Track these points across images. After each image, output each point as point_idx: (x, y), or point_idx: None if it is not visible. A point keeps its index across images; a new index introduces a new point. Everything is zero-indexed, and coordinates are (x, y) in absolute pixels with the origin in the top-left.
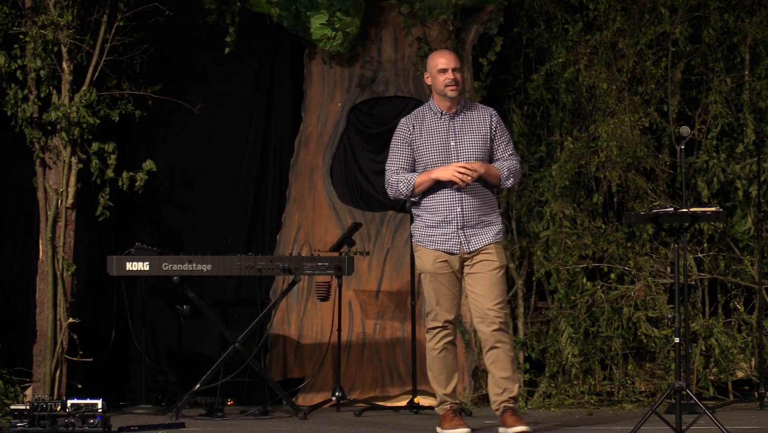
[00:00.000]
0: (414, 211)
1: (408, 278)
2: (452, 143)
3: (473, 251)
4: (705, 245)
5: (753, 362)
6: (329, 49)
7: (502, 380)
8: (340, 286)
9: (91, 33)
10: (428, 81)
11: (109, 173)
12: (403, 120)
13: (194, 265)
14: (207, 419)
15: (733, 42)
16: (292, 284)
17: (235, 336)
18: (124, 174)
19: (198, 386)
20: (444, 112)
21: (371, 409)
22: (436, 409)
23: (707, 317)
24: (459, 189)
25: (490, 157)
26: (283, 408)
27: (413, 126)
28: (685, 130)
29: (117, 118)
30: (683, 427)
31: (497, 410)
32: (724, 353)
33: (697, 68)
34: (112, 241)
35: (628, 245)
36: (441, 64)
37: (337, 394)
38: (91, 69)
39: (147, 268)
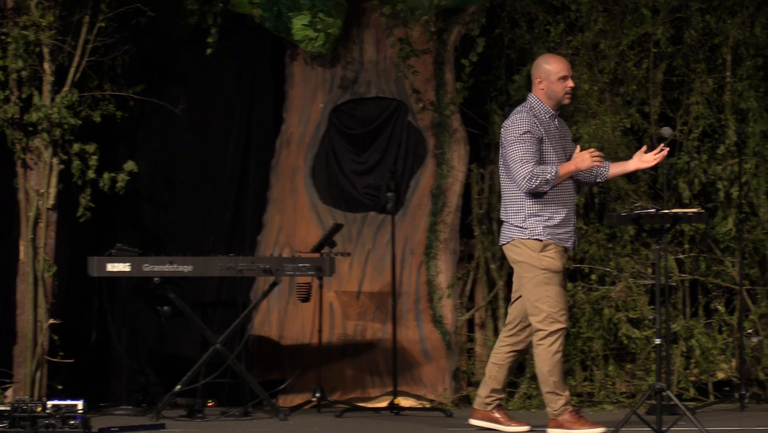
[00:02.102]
0: (527, 209)
1: (389, 278)
2: (563, 141)
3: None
4: (686, 246)
5: (734, 363)
6: (311, 50)
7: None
8: (321, 287)
9: (72, 34)
10: (541, 85)
11: (91, 174)
12: (524, 115)
13: (175, 266)
14: (187, 420)
15: (714, 43)
16: (273, 284)
17: (215, 337)
18: (105, 175)
19: (178, 387)
20: (553, 113)
21: (352, 410)
22: (554, 412)
23: (688, 318)
24: (573, 184)
25: None
26: (263, 409)
27: (537, 123)
28: (666, 131)
29: (98, 119)
30: (663, 428)
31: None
32: (704, 354)
33: (678, 69)
34: (93, 242)
35: (609, 246)
36: (564, 71)
37: (317, 395)
38: (72, 70)
39: (128, 269)
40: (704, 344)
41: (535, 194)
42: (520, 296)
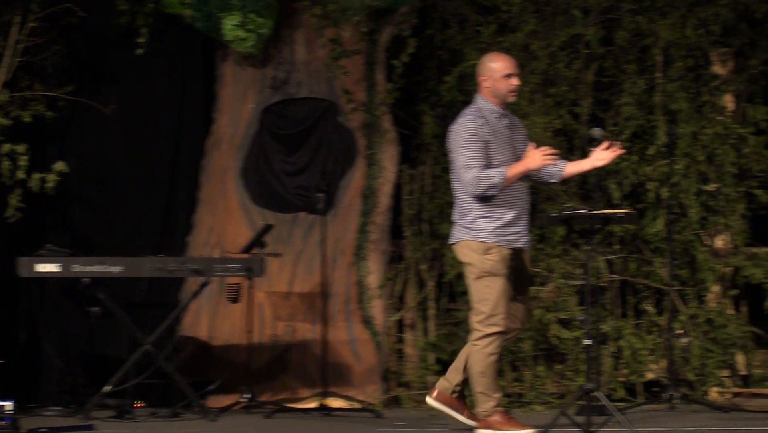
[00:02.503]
0: (476, 210)
1: (319, 279)
2: (514, 141)
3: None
4: (616, 246)
5: (663, 364)
6: (242, 51)
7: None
8: (251, 287)
9: (2, 34)
10: (486, 83)
11: (20, 174)
12: (469, 119)
13: (105, 267)
14: (116, 420)
15: (645, 44)
16: (203, 285)
17: (145, 338)
18: (35, 175)
19: (108, 387)
20: (502, 113)
21: (281, 411)
22: (483, 413)
23: (618, 318)
24: (524, 183)
25: None
26: (193, 410)
27: (484, 125)
28: (597, 132)
29: (29, 119)
30: (593, 429)
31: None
32: (634, 355)
33: (609, 70)
34: (23, 242)
35: (540, 246)
36: (509, 69)
37: (247, 396)
38: (3, 70)
39: (57, 269)
40: (634, 345)
41: (482, 200)
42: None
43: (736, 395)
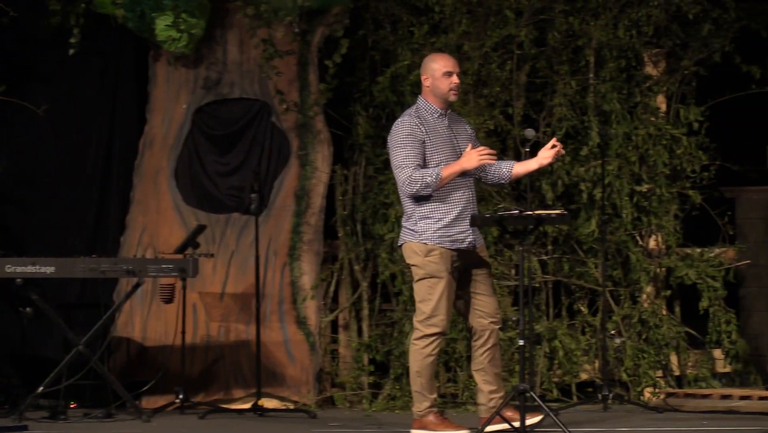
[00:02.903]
0: (418, 211)
1: (252, 280)
2: (455, 141)
3: (477, 248)
4: (549, 247)
5: (596, 364)
6: (174, 51)
7: None
8: (184, 288)
9: None
10: (427, 82)
11: None
12: (406, 119)
13: (37, 267)
14: (50, 421)
15: (578, 45)
16: (136, 286)
17: (78, 339)
18: None
19: (41, 388)
20: (442, 112)
21: (215, 411)
22: (418, 413)
23: (551, 319)
24: (468, 183)
25: None
26: (126, 411)
27: (421, 124)
28: (530, 132)
29: None
30: (527, 429)
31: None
32: (567, 355)
33: (542, 71)
34: None
35: None
36: (448, 67)
37: (181, 396)
38: None
39: None
40: (567, 345)
41: (424, 196)
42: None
43: (669, 395)
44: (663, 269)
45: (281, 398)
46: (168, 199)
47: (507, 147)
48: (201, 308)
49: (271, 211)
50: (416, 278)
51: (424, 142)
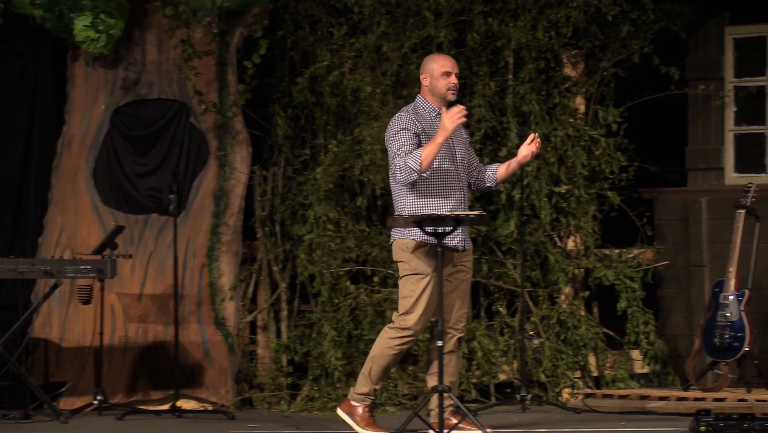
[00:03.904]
0: (411, 208)
1: (171, 280)
2: (451, 141)
3: (466, 250)
4: None
5: (515, 365)
6: (93, 51)
7: None
8: (102, 289)
9: None
10: (425, 81)
11: None
12: (403, 114)
13: None
14: None
15: (497, 46)
16: (54, 287)
17: None
18: None
19: None
20: (439, 111)
21: (133, 413)
22: (354, 396)
23: (470, 320)
24: (461, 184)
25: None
26: (44, 412)
27: (417, 120)
28: None
29: None
30: (445, 430)
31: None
32: (486, 356)
33: (461, 72)
34: None
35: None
36: (447, 67)
37: (99, 398)
38: None
39: None
40: (486, 346)
41: (416, 194)
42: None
43: (587, 396)
44: (581, 270)
45: (199, 399)
46: (86, 200)
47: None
48: (119, 309)
49: (190, 212)
50: (402, 274)
51: (419, 135)
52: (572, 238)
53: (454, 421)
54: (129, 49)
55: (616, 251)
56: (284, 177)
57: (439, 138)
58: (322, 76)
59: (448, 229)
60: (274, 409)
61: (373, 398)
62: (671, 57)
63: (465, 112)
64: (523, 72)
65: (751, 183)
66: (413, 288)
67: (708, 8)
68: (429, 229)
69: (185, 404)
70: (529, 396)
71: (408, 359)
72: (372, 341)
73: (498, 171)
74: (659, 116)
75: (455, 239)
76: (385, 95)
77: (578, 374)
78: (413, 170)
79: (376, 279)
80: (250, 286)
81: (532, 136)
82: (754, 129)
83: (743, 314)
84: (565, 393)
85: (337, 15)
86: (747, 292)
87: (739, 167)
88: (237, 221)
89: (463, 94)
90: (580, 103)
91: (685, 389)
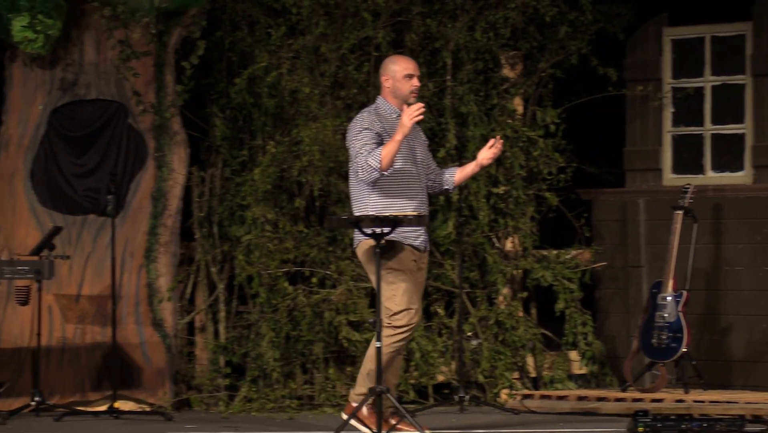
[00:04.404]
0: (373, 209)
1: (109, 282)
2: (412, 143)
3: (427, 250)
4: None
5: (453, 366)
6: (30, 52)
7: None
8: (39, 290)
9: None
10: (387, 83)
11: None
12: (365, 114)
13: None
14: None
15: (435, 47)
16: None
17: None
18: None
19: None
20: (400, 113)
21: (71, 414)
22: (355, 396)
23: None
24: (421, 185)
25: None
26: None
27: (379, 120)
28: None
29: None
30: (384, 431)
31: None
32: (424, 357)
33: None
34: None
35: (330, 249)
36: (409, 69)
37: (36, 399)
38: None
39: None
40: (424, 347)
41: (380, 194)
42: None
43: (525, 397)
44: (519, 270)
45: (137, 400)
46: (24, 201)
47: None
48: (57, 310)
49: (128, 213)
50: (375, 276)
51: (380, 135)
52: (510, 239)
53: (393, 422)
54: (67, 50)
55: (554, 251)
56: (222, 178)
57: (398, 135)
58: (260, 77)
59: (386, 230)
60: (212, 410)
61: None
62: (609, 58)
63: (423, 110)
64: (462, 73)
65: (688, 184)
66: (394, 287)
67: (646, 9)
68: (368, 230)
69: (123, 405)
70: (467, 397)
71: (346, 360)
72: (310, 342)
73: (456, 174)
74: (597, 117)
75: (419, 238)
76: (323, 96)
77: (516, 375)
78: (374, 168)
79: (314, 280)
80: (188, 287)
81: (492, 141)
82: (692, 130)
83: (681, 314)
84: (503, 394)
85: (275, 16)
86: (685, 293)
87: (677, 168)
88: (175, 222)
89: None
90: (518, 104)
91: (623, 390)
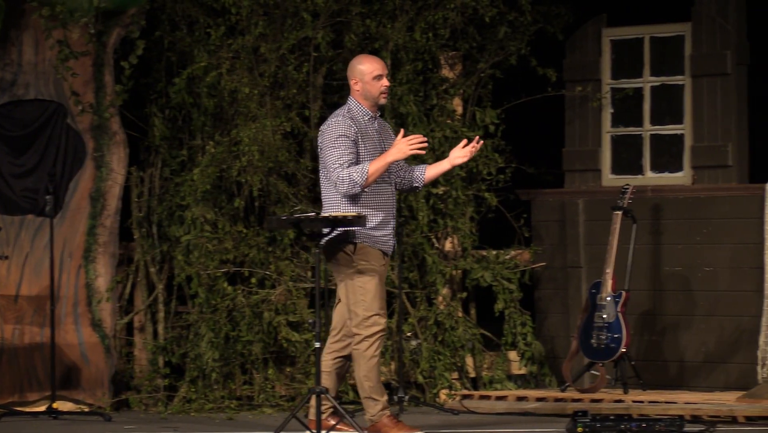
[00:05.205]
0: (346, 210)
1: (47, 282)
2: (384, 145)
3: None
4: None
5: (393, 366)
6: None
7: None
8: None
9: None
10: (357, 86)
11: None
12: (339, 118)
13: None
14: None
15: (374, 47)
16: None
17: None
18: None
19: None
20: (372, 115)
21: (9, 415)
22: (371, 418)
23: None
24: (392, 188)
25: None
26: None
27: (353, 125)
28: None
29: None
30: (323, 431)
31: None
32: None
33: (338, 73)
34: None
35: (269, 249)
36: (378, 70)
37: None
38: None
39: None
40: None
41: (351, 198)
42: (340, 301)
43: (465, 397)
44: (459, 271)
45: (76, 401)
46: None
47: (304, 149)
48: None
49: (66, 213)
50: (346, 278)
51: (356, 142)
52: (450, 239)
53: (332, 422)
54: (5, 50)
55: (494, 252)
56: (161, 178)
57: (390, 158)
58: (199, 77)
59: (326, 230)
60: (151, 410)
61: (389, 408)
62: (549, 59)
63: (425, 145)
64: (401, 73)
65: (628, 184)
66: (363, 292)
67: (585, 10)
68: (307, 231)
69: (62, 405)
70: (407, 397)
71: (285, 361)
72: (249, 342)
73: (426, 172)
74: (537, 118)
75: (388, 242)
76: (262, 96)
77: (456, 375)
78: (357, 184)
79: (253, 280)
80: (127, 287)
81: (465, 141)
82: (631, 131)
83: (620, 315)
84: (443, 394)
85: (214, 16)
86: (624, 293)
87: (616, 169)
88: (114, 222)
89: (341, 95)
90: (457, 104)
91: (563, 390)
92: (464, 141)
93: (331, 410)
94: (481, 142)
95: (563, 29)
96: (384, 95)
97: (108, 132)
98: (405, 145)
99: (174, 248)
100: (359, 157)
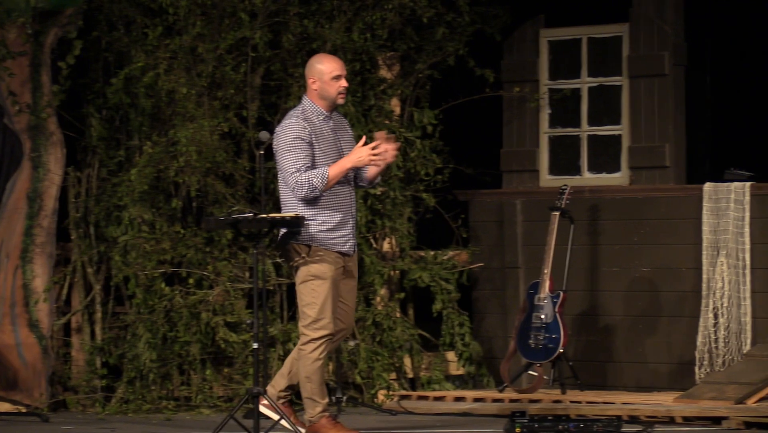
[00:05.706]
0: (303, 213)
1: None
2: (339, 144)
3: (354, 253)
4: None
5: (331, 367)
6: None
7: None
8: None
9: None
10: (314, 85)
11: None
12: (293, 120)
13: None
14: None
15: (312, 48)
16: None
17: None
18: None
19: None
20: (327, 115)
21: None
22: (310, 419)
23: (285, 321)
24: (351, 187)
25: None
26: None
27: (307, 126)
28: (264, 135)
29: None
30: (261, 432)
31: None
32: None
33: (276, 73)
34: None
35: (207, 249)
36: (337, 70)
37: None
38: None
39: None
40: None
41: (305, 203)
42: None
43: (403, 397)
44: (397, 271)
45: (13, 402)
46: None
47: (241, 149)
48: None
49: (3, 214)
50: (299, 280)
51: (311, 144)
52: (387, 240)
53: (286, 410)
54: None
55: (432, 252)
56: (99, 178)
57: (349, 164)
58: (136, 78)
59: (264, 231)
60: (89, 411)
61: (329, 410)
62: (486, 59)
63: (388, 161)
64: None
65: (565, 185)
66: (315, 294)
67: (523, 11)
68: (245, 231)
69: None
70: (345, 398)
71: (223, 361)
72: (187, 343)
73: (370, 171)
74: (474, 119)
75: (347, 243)
76: (200, 96)
77: (394, 375)
78: (316, 188)
79: (191, 281)
80: (65, 288)
81: (361, 139)
82: (569, 131)
83: (558, 315)
84: (381, 395)
85: (152, 16)
86: (562, 294)
87: (554, 169)
88: (51, 222)
89: (279, 95)
90: (395, 105)
91: (501, 391)
92: (361, 139)
93: (287, 399)
94: (390, 138)
95: (501, 30)
96: (342, 96)
97: (45, 132)
98: (365, 154)
99: (111, 248)
100: (314, 159)
